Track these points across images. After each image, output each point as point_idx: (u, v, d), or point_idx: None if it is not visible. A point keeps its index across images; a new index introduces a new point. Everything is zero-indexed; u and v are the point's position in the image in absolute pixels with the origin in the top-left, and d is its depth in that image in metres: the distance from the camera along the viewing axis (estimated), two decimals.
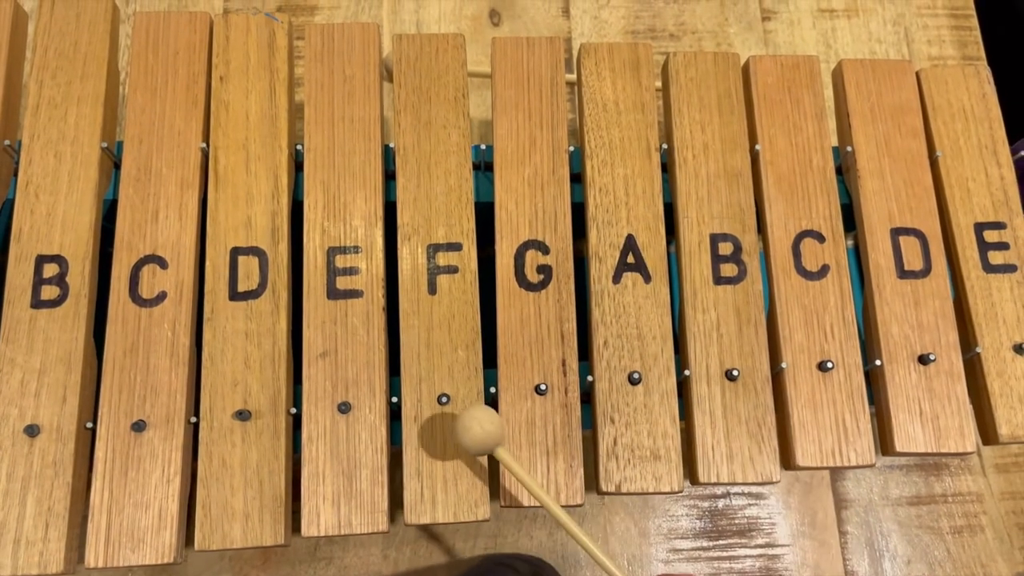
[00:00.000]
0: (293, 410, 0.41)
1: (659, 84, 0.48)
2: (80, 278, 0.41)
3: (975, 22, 0.69)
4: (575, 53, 0.48)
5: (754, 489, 0.56)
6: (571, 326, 0.42)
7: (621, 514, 0.55)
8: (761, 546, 0.55)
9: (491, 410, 0.38)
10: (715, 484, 0.40)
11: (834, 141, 0.47)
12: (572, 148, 0.45)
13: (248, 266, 0.42)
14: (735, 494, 0.56)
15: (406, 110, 0.45)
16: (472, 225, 0.43)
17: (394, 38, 0.47)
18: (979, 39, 0.68)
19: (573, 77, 0.50)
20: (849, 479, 0.58)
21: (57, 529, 0.38)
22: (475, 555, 0.53)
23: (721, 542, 0.55)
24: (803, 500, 0.56)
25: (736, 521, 0.55)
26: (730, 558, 0.54)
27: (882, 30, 0.68)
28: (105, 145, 0.44)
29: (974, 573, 0.56)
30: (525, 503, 0.40)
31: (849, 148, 0.47)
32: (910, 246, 0.45)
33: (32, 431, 0.39)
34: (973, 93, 0.48)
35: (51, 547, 0.38)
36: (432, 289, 0.42)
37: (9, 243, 0.42)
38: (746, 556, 0.54)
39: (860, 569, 0.55)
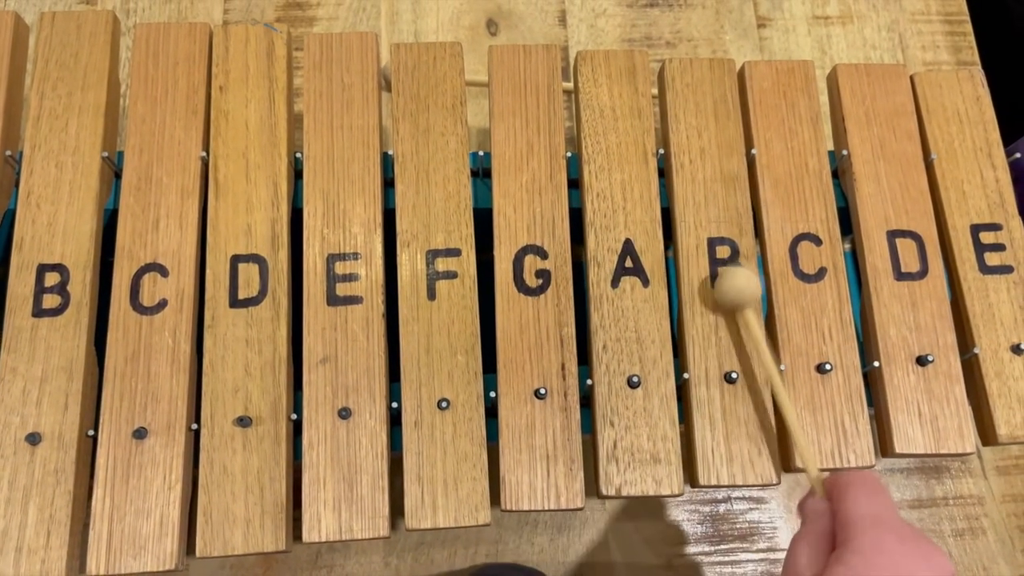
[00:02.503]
0: (294, 416, 0.41)
1: (655, 90, 0.49)
2: (81, 287, 0.42)
3: (969, 27, 0.69)
4: (572, 62, 0.49)
5: (755, 493, 0.56)
6: (570, 330, 0.42)
7: (622, 519, 0.55)
8: (763, 550, 0.55)
9: (755, 277, 0.41)
10: (715, 487, 0.41)
11: (830, 145, 0.48)
12: (569, 154, 0.46)
13: (248, 273, 0.42)
14: (736, 498, 0.56)
15: (404, 118, 0.46)
16: (471, 231, 0.44)
17: (392, 47, 0.47)
18: (973, 44, 0.69)
19: (570, 86, 0.50)
20: None
21: (59, 537, 0.38)
22: (476, 563, 0.53)
23: (723, 547, 0.55)
24: None
25: (737, 526, 0.55)
26: (732, 563, 0.54)
27: (876, 36, 0.69)
28: (106, 155, 0.44)
29: None
30: (526, 507, 0.40)
31: (845, 152, 0.47)
32: (907, 248, 0.45)
33: (34, 439, 0.39)
34: (967, 96, 0.49)
35: (53, 555, 0.38)
36: (431, 295, 0.42)
37: (11, 253, 0.42)
38: (748, 561, 0.54)
39: None
